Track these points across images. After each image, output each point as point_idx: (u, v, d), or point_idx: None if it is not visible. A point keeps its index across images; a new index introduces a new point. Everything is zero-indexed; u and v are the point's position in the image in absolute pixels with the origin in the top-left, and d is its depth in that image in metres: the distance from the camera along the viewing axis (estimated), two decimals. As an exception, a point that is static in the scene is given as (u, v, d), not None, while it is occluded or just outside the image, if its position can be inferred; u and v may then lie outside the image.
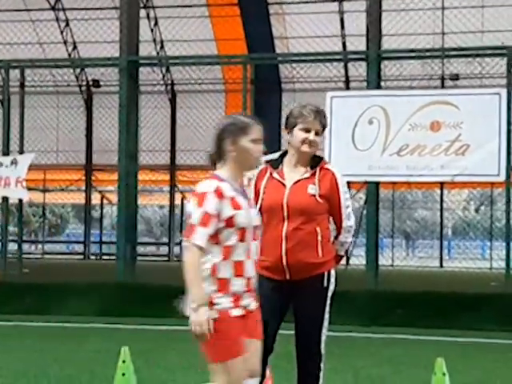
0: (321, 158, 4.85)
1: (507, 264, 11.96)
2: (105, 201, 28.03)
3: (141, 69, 14.62)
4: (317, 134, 4.75)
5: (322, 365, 4.87)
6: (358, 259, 18.12)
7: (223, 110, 22.63)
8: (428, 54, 14.16)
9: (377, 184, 12.47)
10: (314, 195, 4.70)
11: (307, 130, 4.73)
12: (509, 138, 11.62)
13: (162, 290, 12.06)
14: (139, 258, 16.53)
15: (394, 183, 22.26)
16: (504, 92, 11.71)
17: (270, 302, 4.75)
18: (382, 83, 14.14)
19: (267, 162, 4.89)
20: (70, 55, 23.58)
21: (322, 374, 4.88)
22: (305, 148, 4.73)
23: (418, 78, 20.66)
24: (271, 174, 4.80)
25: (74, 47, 23.90)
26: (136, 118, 13.74)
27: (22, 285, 12.73)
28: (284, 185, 4.75)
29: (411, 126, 11.77)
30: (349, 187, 24.51)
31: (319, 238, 4.70)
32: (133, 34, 14.03)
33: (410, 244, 40.08)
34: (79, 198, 27.30)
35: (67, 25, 23.81)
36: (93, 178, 25.45)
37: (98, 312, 11.75)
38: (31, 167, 13.47)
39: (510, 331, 10.50)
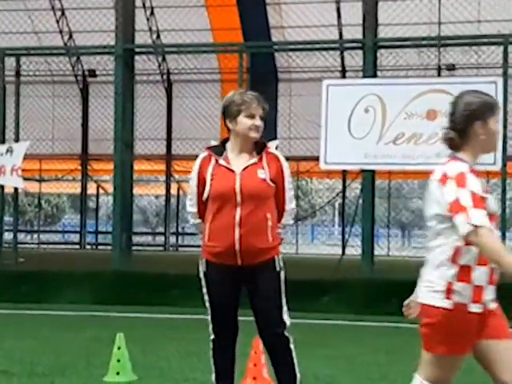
0: (264, 143, 4.89)
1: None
2: (101, 190, 28.01)
3: (137, 58, 14.59)
4: (261, 118, 4.82)
5: (291, 346, 4.86)
6: (356, 249, 18.11)
7: (219, 100, 22.60)
8: (424, 42, 14.15)
9: (372, 173, 12.47)
10: (265, 179, 4.77)
11: (252, 116, 4.78)
12: (505, 127, 11.61)
13: (157, 278, 12.08)
14: (135, 247, 16.53)
15: (389, 173, 22.27)
16: (500, 80, 11.69)
17: (222, 287, 4.80)
18: (378, 73, 14.12)
19: (209, 149, 4.89)
20: (65, 44, 23.50)
21: (294, 355, 4.87)
22: (253, 134, 4.77)
23: (413, 68, 20.63)
24: (217, 161, 4.80)
25: (70, 36, 23.83)
26: (132, 106, 13.71)
27: (17, 273, 12.72)
28: (233, 171, 4.75)
29: (407, 114, 11.76)
30: (344, 177, 24.32)
31: (269, 222, 4.76)
32: (129, 22, 14.00)
33: (406, 234, 40.15)
34: (75, 188, 27.25)
35: (63, 14, 23.73)
36: (89, 167, 25.41)
37: (93, 300, 11.76)
38: (27, 157, 13.43)
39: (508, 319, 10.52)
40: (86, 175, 25.56)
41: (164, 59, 23.24)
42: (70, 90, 24.28)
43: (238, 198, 4.70)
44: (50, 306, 11.43)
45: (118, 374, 6.17)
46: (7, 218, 18.97)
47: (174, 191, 26.24)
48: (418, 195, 39.66)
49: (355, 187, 29.07)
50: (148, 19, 23.11)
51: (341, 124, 11.88)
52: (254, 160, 4.80)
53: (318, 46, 13.70)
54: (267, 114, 4.87)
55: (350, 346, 8.34)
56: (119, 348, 6.20)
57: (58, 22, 23.80)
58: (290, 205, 4.92)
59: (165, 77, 23.84)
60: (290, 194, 4.91)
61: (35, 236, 29.73)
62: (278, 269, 4.83)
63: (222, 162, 4.79)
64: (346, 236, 20.90)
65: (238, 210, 4.70)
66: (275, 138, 18.35)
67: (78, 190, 26.36)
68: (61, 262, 15.50)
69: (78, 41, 23.35)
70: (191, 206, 4.90)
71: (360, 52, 13.41)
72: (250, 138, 4.78)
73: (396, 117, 11.78)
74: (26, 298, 11.89)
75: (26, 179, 13.96)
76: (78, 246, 26.05)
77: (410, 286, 13.29)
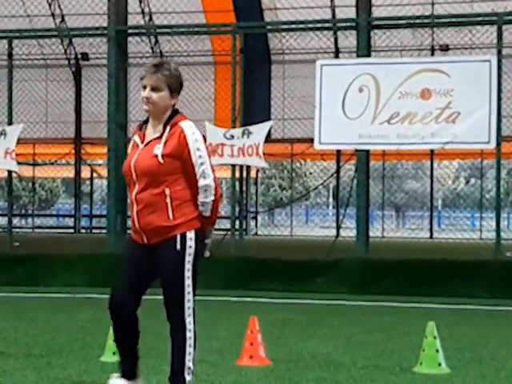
0: (173, 115, 4.59)
1: (497, 233, 12.01)
2: (95, 174, 27.95)
3: (129, 39, 14.51)
4: (154, 89, 4.54)
5: (188, 334, 4.62)
6: (352, 231, 18.13)
7: (213, 82, 22.53)
8: (418, 21, 14.09)
9: (367, 153, 12.46)
10: (157, 155, 4.51)
11: (144, 87, 4.57)
12: (499, 105, 11.61)
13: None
14: (129, 230, 16.51)
15: (383, 154, 22.26)
16: (494, 59, 11.68)
17: (131, 262, 4.68)
18: (372, 54, 14.07)
19: (139, 124, 4.74)
20: (58, 27, 23.36)
21: (189, 344, 4.62)
22: (144, 106, 4.58)
23: (406, 49, 20.57)
24: (135, 136, 4.70)
25: (62, 19, 23.68)
26: (125, 88, 13.66)
27: (13, 257, 12.72)
28: (138, 146, 4.63)
29: (401, 93, 11.74)
30: (338, 158, 24.26)
31: (168, 200, 4.51)
32: (121, 4, 13.92)
33: (400, 215, 40.21)
34: (69, 172, 27.19)
35: (54, -3, 23.58)
36: (82, 151, 25.35)
37: (88, 283, 11.77)
38: (20, 141, 13.38)
39: (500, 298, 10.56)
40: (79, 159, 25.49)
41: (157, 42, 23.14)
42: (62, 73, 24.16)
43: (134, 175, 4.57)
44: (45, 288, 11.44)
45: (114, 354, 6.17)
46: (1, 203, 18.94)
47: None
48: (412, 177, 39.70)
49: (349, 169, 29.08)
50: (140, 1, 22.99)
51: (335, 104, 11.86)
52: (157, 134, 4.57)
53: (311, 25, 13.64)
54: (168, 81, 4.53)
55: (346, 326, 8.37)
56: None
57: (50, 4, 23.65)
58: (203, 181, 4.54)
59: (158, 59, 23.76)
60: (200, 169, 4.54)
61: (30, 220, 29.71)
62: (178, 248, 4.54)
63: (135, 137, 4.67)
64: (341, 217, 20.92)
65: (136, 187, 4.57)
66: (269, 119, 18.32)
67: (72, 174, 26.30)
68: (56, 245, 15.49)
69: (70, 24, 23.20)
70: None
71: (353, 33, 13.35)
72: (145, 110, 4.58)
73: (390, 96, 11.76)
74: (21, 281, 11.90)
75: (19, 163, 13.90)
76: (72, 230, 26.04)
77: (404, 266, 13.35)
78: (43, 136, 24.02)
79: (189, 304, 4.62)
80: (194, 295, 4.67)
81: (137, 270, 4.67)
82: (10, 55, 13.87)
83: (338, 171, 22.71)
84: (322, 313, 9.60)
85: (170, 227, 4.54)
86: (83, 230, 26.28)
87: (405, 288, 11.14)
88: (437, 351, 5.90)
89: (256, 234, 24.71)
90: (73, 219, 26.99)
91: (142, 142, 4.63)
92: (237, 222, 13.34)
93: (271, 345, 6.65)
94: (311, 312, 9.63)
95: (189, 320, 4.63)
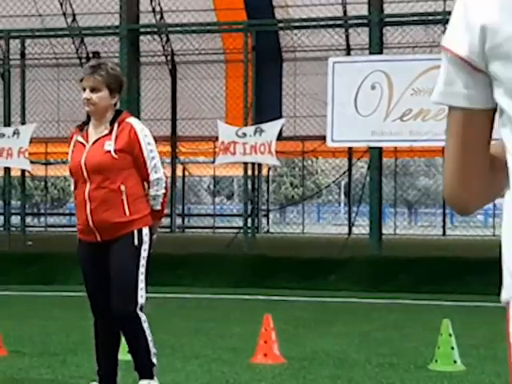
0: (118, 113, 4.71)
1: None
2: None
3: (141, 37, 14.53)
4: (93, 90, 4.63)
5: (144, 325, 4.70)
6: (363, 228, 18.10)
7: (224, 80, 22.53)
8: (430, 18, 14.04)
9: (379, 150, 12.44)
10: (109, 151, 4.60)
11: (84, 89, 4.67)
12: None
13: (164, 258, 12.08)
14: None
15: (395, 151, 22.20)
16: (507, 55, 11.61)
17: (90, 265, 4.73)
18: (384, 51, 14.04)
19: (78, 125, 4.83)
20: (69, 26, 23.41)
21: (148, 333, 4.72)
22: (85, 107, 4.68)
23: (419, 46, 20.50)
24: (76, 137, 4.75)
25: (74, 19, 23.74)
26: (137, 87, 13.68)
27: (26, 256, 12.76)
28: (84, 145, 4.69)
29: (414, 90, 11.70)
30: (350, 155, 24.24)
31: (124, 196, 4.59)
32: (133, 2, 13.94)
33: (413, 212, 40.08)
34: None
35: (66, -4, 23.63)
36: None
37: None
38: (33, 140, 13.42)
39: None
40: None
41: (168, 40, 23.16)
42: (74, 72, 24.20)
43: (85, 173, 4.62)
44: (58, 287, 11.46)
45: (128, 352, 6.18)
46: (14, 202, 19.01)
47: (179, 172, 26.23)
48: (425, 174, 39.58)
49: (361, 166, 29.02)
50: (151, 0, 23.01)
51: (347, 101, 11.83)
52: (105, 132, 4.65)
53: (322, 23, 13.61)
54: (106, 81, 4.62)
55: (360, 323, 8.35)
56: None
57: (61, 4, 23.70)
58: (155, 174, 4.67)
59: (169, 58, 23.77)
60: (152, 162, 4.66)
61: (42, 219, 29.78)
62: (136, 243, 4.62)
63: (78, 137, 4.74)
64: (353, 215, 20.89)
65: (88, 185, 4.62)
66: (280, 116, 18.30)
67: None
68: (68, 244, 15.51)
69: (82, 23, 23.25)
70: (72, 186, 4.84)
71: (365, 30, 13.33)
72: (86, 111, 4.70)
73: (403, 93, 11.72)
74: (34, 279, 11.93)
75: (32, 162, 13.94)
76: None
77: (417, 264, 13.32)
78: (55, 135, 24.09)
79: (142, 300, 4.69)
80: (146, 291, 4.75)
81: (98, 272, 4.72)
82: (23, 55, 13.92)
83: (349, 169, 22.69)
84: (336, 310, 9.59)
85: (126, 223, 4.61)
86: (95, 229, 26.33)
87: (418, 285, 11.11)
88: (452, 348, 5.88)
89: (268, 231, 24.69)
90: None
91: (87, 142, 4.69)
92: (249, 220, 13.34)
93: (285, 343, 6.65)
94: (325, 310, 9.62)
95: (142, 313, 4.71)
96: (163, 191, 4.72)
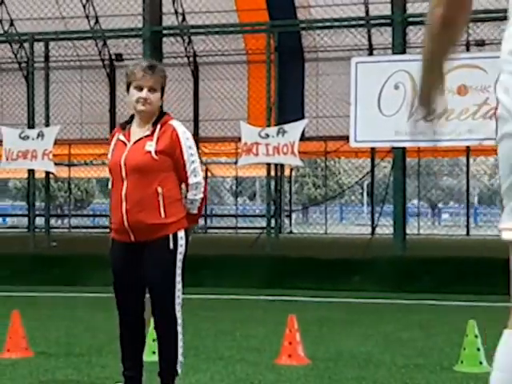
0: (162, 115, 4.70)
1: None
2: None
3: (164, 39, 14.58)
4: (151, 90, 4.62)
5: (179, 329, 4.69)
6: (386, 229, 18.03)
7: (246, 81, 22.55)
8: (454, 17, 13.92)
9: (403, 150, 12.39)
10: (150, 152, 4.57)
11: (140, 88, 4.62)
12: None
13: (187, 259, 12.10)
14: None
15: (419, 151, 22.11)
16: (532, 54, 11.52)
17: (123, 265, 4.70)
18: (407, 50, 13.98)
19: (120, 124, 4.83)
20: (92, 29, 23.54)
21: (180, 339, 4.71)
22: (140, 107, 4.63)
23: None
24: (118, 135, 4.74)
25: (96, 21, 23.86)
26: (160, 88, 13.71)
27: (51, 257, 12.84)
28: (126, 144, 4.66)
29: (438, 90, 11.63)
30: (373, 156, 24.20)
31: (160, 198, 4.56)
32: (156, 4, 13.99)
33: (436, 212, 39.89)
34: (104, 172, 27.37)
35: (89, -2, 23.76)
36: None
37: (126, 282, 11.82)
38: (56, 142, 13.50)
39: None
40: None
41: (190, 42, 23.21)
42: (98, 74, 24.35)
43: (123, 172, 4.60)
44: (83, 288, 11.53)
45: (154, 353, 6.20)
46: (38, 204, 19.14)
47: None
48: (448, 173, 39.36)
49: (384, 166, 28.91)
50: (174, 1, 23.08)
51: (370, 101, 11.79)
52: (147, 132, 4.64)
53: (345, 23, 13.58)
54: (162, 82, 4.64)
55: (384, 324, 8.32)
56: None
57: (84, 6, 23.84)
58: (194, 178, 4.65)
59: (191, 59, 23.83)
60: (191, 166, 4.64)
61: (66, 220, 29.96)
62: (171, 247, 4.60)
63: (120, 136, 4.72)
64: (376, 215, 20.82)
65: (125, 185, 4.59)
66: (302, 117, 18.28)
67: (107, 175, 26.44)
68: (92, 245, 15.60)
69: (105, 25, 23.36)
70: (109, 184, 4.80)
71: (388, 29, 13.30)
72: (137, 110, 4.65)
73: (426, 93, 11.65)
74: (59, 280, 12.01)
75: (55, 164, 14.03)
76: (108, 230, 26.19)
77: (441, 264, 13.24)
78: (79, 137, 24.23)
79: (179, 300, 4.68)
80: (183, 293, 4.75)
81: (129, 272, 4.71)
82: (47, 57, 14.01)
83: (372, 169, 22.62)
84: (360, 311, 9.56)
85: (161, 225, 4.59)
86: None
87: (442, 286, 11.06)
88: (478, 350, 5.85)
89: (291, 232, 24.68)
90: (108, 219, 27.17)
91: (129, 141, 4.68)
92: (272, 221, 13.34)
93: (310, 344, 6.64)
94: (349, 310, 9.59)
95: (179, 315, 4.70)
96: (201, 195, 4.70)
